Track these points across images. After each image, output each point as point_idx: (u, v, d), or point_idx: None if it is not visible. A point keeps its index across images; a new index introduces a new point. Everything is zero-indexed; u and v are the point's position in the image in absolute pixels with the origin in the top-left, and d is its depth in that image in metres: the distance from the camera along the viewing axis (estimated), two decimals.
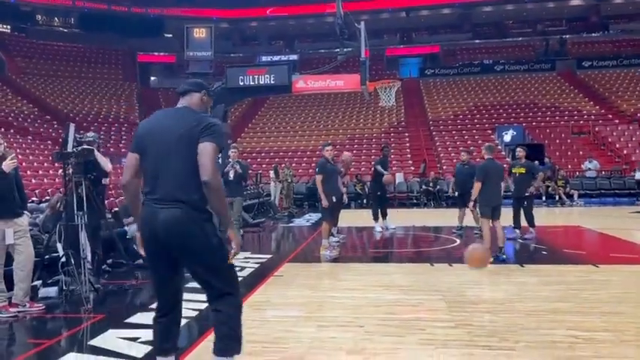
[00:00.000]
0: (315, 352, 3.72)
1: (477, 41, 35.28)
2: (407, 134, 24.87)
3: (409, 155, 22.84)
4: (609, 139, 22.42)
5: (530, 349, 3.61)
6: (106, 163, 5.89)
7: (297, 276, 6.45)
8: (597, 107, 25.78)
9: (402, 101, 27.04)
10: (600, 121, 24.14)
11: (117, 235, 6.56)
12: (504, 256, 7.09)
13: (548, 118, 25.11)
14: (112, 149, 21.85)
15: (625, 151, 21.14)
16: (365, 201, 17.95)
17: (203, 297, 5.25)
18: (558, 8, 34.78)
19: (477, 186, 7.10)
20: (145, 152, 2.79)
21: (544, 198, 17.27)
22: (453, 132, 24.63)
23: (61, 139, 5.63)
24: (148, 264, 2.95)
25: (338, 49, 10.30)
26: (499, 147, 22.77)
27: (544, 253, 7.99)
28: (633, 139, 22.03)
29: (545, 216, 9.76)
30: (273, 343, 3.92)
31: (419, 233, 10.78)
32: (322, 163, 7.88)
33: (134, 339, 4.04)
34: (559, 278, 5.90)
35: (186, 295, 5.38)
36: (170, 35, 34.86)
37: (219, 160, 9.41)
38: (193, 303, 5.09)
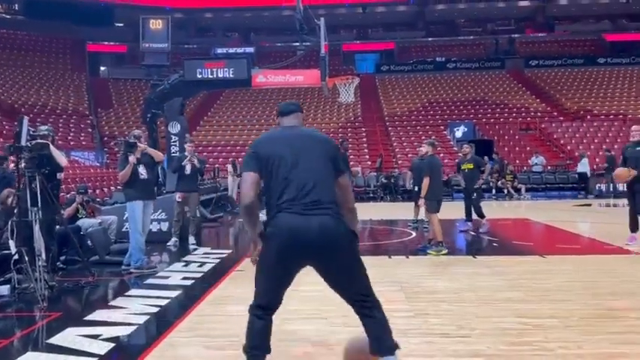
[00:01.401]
0: (279, 344, 3.77)
1: (431, 39, 36.04)
2: (363, 129, 25.19)
3: (366, 150, 23.16)
4: (554, 136, 23.49)
5: (484, 336, 3.80)
6: (60, 157, 5.72)
7: None
8: (543, 105, 26.94)
9: (358, 97, 27.32)
10: (546, 118, 25.25)
11: (71, 230, 6.39)
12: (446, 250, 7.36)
13: (497, 115, 26.03)
14: (60, 142, 21.02)
15: (569, 147, 22.22)
16: None
17: (163, 293, 5.29)
18: (507, 8, 35.99)
19: (426, 181, 7.32)
20: (274, 165, 2.81)
21: (494, 192, 17.94)
22: (408, 127, 25.15)
23: (15, 132, 5.42)
24: (277, 267, 2.82)
25: (296, 43, 10.34)
26: (451, 142, 23.45)
27: (495, 244, 8.35)
28: (576, 135, 23.17)
29: (495, 209, 10.19)
30: (238, 337, 3.92)
31: (376, 227, 11.00)
32: None
33: (95, 336, 3.98)
34: (509, 268, 6.20)
35: (144, 292, 5.39)
36: (121, 24, 33.78)
37: (177, 154, 9.28)
38: (152, 299, 5.06)
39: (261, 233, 2.83)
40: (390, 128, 25.17)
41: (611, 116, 25.05)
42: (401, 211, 12.34)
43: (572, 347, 3.53)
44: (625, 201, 15.35)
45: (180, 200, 8.41)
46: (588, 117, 24.98)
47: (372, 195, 19.04)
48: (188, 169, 8.39)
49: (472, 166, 9.50)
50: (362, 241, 9.56)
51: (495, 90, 29.12)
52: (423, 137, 22.85)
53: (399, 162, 21.44)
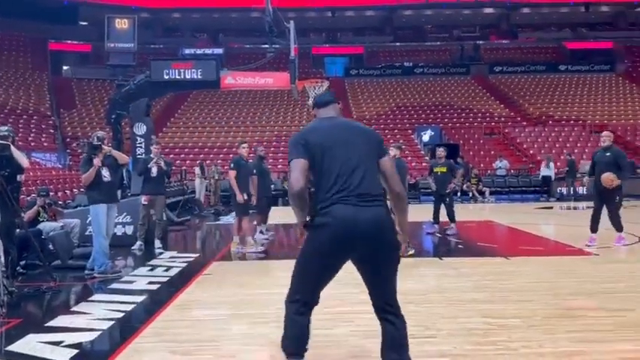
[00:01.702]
0: (248, 348, 3.76)
1: (398, 44, 36.53)
2: None
3: None
4: (517, 140, 24.13)
5: (450, 337, 3.87)
6: (21, 158, 5.53)
7: (227, 274, 6.43)
8: (507, 110, 27.64)
9: None
10: (509, 123, 25.92)
11: (32, 234, 6.19)
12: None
13: (462, 120, 26.57)
14: (20, 143, 20.33)
15: (531, 151, 22.85)
16: None
17: (128, 298, 5.18)
18: (472, 15, 36.82)
19: None
20: (324, 155, 2.75)
21: (459, 195, 18.26)
22: (377, 131, 25.31)
23: None
24: (327, 259, 2.76)
25: (265, 45, 10.32)
26: (418, 146, 23.80)
27: (460, 246, 8.51)
28: (539, 140, 23.86)
29: (460, 212, 10.41)
30: (206, 341, 3.91)
31: None
32: (237, 160, 8.10)
33: (57, 343, 3.86)
34: (474, 270, 6.33)
35: (108, 297, 5.27)
36: (86, 23, 32.97)
37: (143, 156, 9.12)
38: (116, 304, 4.96)
39: (307, 224, 2.77)
40: None
41: (572, 121, 25.91)
42: None
43: (534, 346, 3.63)
44: (585, 204, 15.94)
45: (145, 203, 8.26)
46: (550, 122, 25.77)
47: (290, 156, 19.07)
48: (154, 172, 8.24)
49: (445, 170, 9.66)
50: None
51: (461, 95, 29.72)
52: (392, 141, 23.08)
53: None
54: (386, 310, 2.85)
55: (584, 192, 18.20)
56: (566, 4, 35.23)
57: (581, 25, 36.78)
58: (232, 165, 8.03)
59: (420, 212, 10.31)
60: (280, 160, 21.80)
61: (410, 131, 25.04)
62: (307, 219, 2.78)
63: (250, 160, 8.84)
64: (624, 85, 30.61)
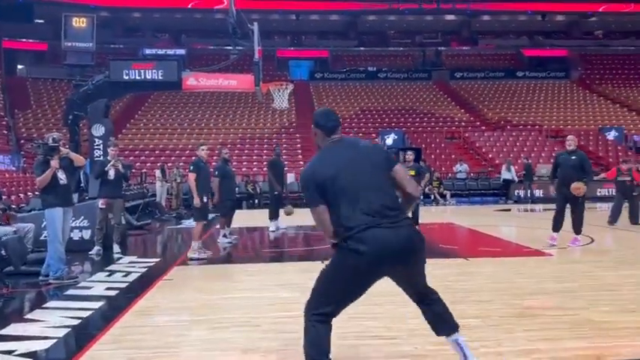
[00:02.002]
0: (208, 353, 3.70)
1: (363, 49, 36.91)
2: (298, 135, 25.28)
3: (300, 156, 23.23)
4: (477, 144, 24.73)
5: (412, 337, 3.91)
6: None
7: (189, 279, 6.32)
8: (467, 115, 28.31)
9: (293, 103, 27.43)
10: (469, 128, 26.55)
11: None
12: None
13: (425, 124, 27.05)
14: None
15: (490, 155, 23.46)
16: (257, 201, 17.95)
17: (84, 304, 5.01)
18: (434, 22, 37.57)
19: None
20: (336, 185, 2.80)
21: (421, 198, 18.58)
22: (342, 134, 25.48)
23: None
24: (360, 280, 2.83)
25: (229, 47, 10.22)
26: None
27: None
28: (497, 144, 24.52)
29: (422, 214, 10.59)
30: (165, 347, 3.82)
31: (311, 232, 11.05)
32: (196, 162, 7.86)
33: (10, 352, 3.70)
34: (436, 271, 6.38)
35: (63, 304, 5.08)
36: (41, 21, 31.88)
37: (101, 158, 8.87)
38: (73, 311, 4.80)
39: (339, 245, 2.81)
40: None
41: (529, 126, 26.76)
42: None
43: (493, 345, 3.71)
44: (542, 206, 16.46)
45: (103, 207, 8.03)
46: (508, 127, 26.53)
47: (305, 201, 19.09)
48: (112, 175, 8.02)
49: (414, 173, 9.78)
50: (297, 246, 9.62)
51: (423, 100, 30.25)
52: None
53: None
54: (427, 296, 3.10)
55: (541, 195, 18.90)
56: (523, 12, 36.41)
57: (537, 34, 38.09)
58: (192, 167, 7.79)
59: None
60: (245, 163, 21.64)
61: (374, 135, 25.29)
62: (336, 240, 2.84)
63: (214, 163, 8.71)
64: (578, 91, 31.86)
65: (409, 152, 10.23)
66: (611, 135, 25.57)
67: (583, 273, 6.23)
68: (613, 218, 10.94)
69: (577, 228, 8.02)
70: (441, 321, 3.10)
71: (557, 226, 8.12)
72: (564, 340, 3.78)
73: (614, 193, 12.53)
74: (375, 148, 3.15)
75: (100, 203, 8.04)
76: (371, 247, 2.70)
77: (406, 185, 2.97)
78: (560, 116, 28.39)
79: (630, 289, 5.33)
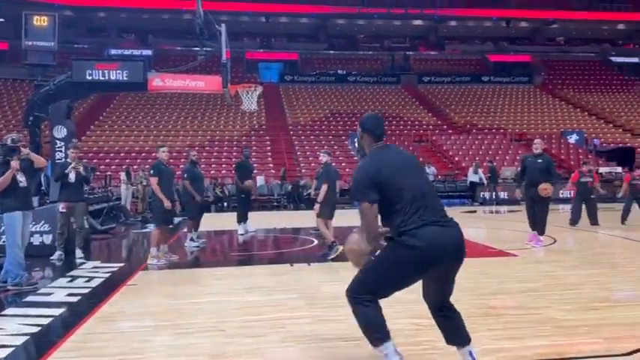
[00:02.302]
0: (174, 359, 3.63)
1: (332, 52, 37.07)
2: (267, 138, 25.18)
3: (270, 159, 23.14)
4: (444, 147, 25.14)
5: None
6: None
7: (154, 284, 6.19)
8: (435, 118, 28.76)
9: (262, 105, 27.30)
10: (437, 131, 26.97)
11: None
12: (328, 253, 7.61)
13: (393, 127, 27.31)
14: None
15: (456, 158, 23.87)
16: (225, 204, 17.78)
17: (44, 311, 4.85)
18: (402, 27, 38.07)
19: (324, 188, 7.50)
20: (396, 185, 2.95)
21: None
22: (311, 137, 25.55)
23: None
24: (413, 275, 3.00)
25: (196, 48, 10.09)
26: (352, 152, 24.19)
27: None
28: (463, 147, 24.97)
29: None
30: (129, 354, 3.73)
31: (280, 235, 11.00)
32: (157, 165, 7.59)
33: None
34: None
35: (22, 310, 4.91)
36: (1, 20, 30.82)
37: (63, 160, 8.61)
38: (32, 318, 4.64)
39: (394, 239, 2.96)
40: (294, 137, 25.41)
41: (493, 130, 27.36)
42: (304, 219, 12.45)
43: None
44: (506, 207, 16.83)
45: (64, 211, 7.79)
46: (474, 130, 27.07)
47: (275, 203, 19.05)
48: (72, 177, 7.77)
49: None
50: (265, 249, 9.55)
51: (392, 103, 30.58)
52: (326, 147, 23.36)
53: (303, 171, 21.67)
54: (443, 309, 3.18)
55: (506, 197, 19.35)
56: (489, 18, 37.29)
57: (502, 39, 39.05)
58: (152, 171, 7.54)
59: (354, 217, 10.41)
60: (213, 166, 21.41)
61: (344, 137, 25.40)
62: (389, 235, 3.00)
63: (182, 165, 8.57)
64: (541, 96, 32.78)
65: None
66: (573, 138, 26.41)
67: (546, 273, 6.39)
68: (574, 219, 11.28)
69: (540, 228, 8.26)
70: (457, 334, 3.19)
71: (532, 225, 8.41)
72: (527, 339, 3.86)
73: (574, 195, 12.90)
74: (414, 158, 3.39)
75: (61, 207, 7.79)
76: (427, 242, 2.86)
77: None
78: (524, 120, 29.14)
79: (591, 288, 5.49)
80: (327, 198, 7.52)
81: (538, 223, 8.29)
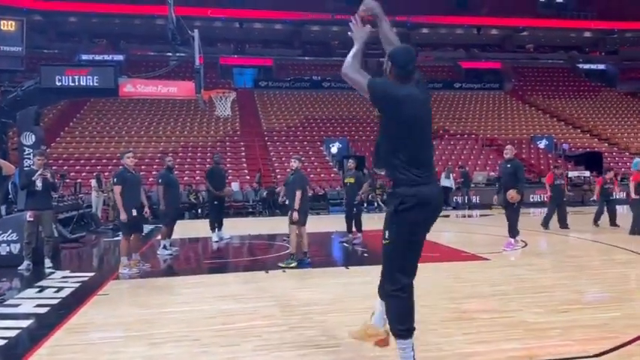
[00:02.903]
0: None
1: (307, 58, 37.15)
2: (242, 144, 25.03)
3: (245, 164, 23.00)
4: None
5: (353, 345, 3.90)
6: None
7: (125, 294, 6.07)
8: None
9: (237, 111, 27.15)
10: None
11: None
12: (309, 260, 7.61)
13: (368, 132, 27.49)
14: None
15: None
16: (200, 211, 17.59)
17: (11, 323, 4.71)
18: (376, 33, 38.15)
19: (298, 194, 7.47)
20: (412, 125, 2.84)
21: (365, 205, 18.88)
22: (286, 143, 25.51)
23: None
24: (416, 239, 3.02)
25: (169, 53, 9.99)
26: (327, 158, 24.25)
27: (366, 255, 8.76)
28: (436, 152, 25.28)
29: (366, 221, 10.72)
30: None
31: (254, 242, 10.93)
32: (121, 173, 7.26)
33: None
34: (378, 278, 6.50)
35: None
36: None
37: (29, 168, 8.39)
38: None
39: (396, 209, 2.94)
40: (268, 143, 25.33)
41: (465, 136, 27.79)
42: (280, 225, 12.40)
43: (434, 350, 3.78)
44: (479, 211, 17.09)
45: (31, 219, 7.58)
46: (446, 136, 27.44)
47: (250, 210, 18.94)
48: (39, 185, 7.57)
49: (353, 181, 9.90)
50: (239, 256, 9.48)
51: (366, 109, 30.76)
52: (301, 152, 23.37)
53: (278, 177, 21.61)
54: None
55: (478, 201, 19.65)
56: (460, 25, 37.93)
57: (474, 46, 39.75)
58: (115, 180, 7.23)
59: (329, 223, 10.45)
60: (187, 172, 21.17)
61: (319, 143, 25.45)
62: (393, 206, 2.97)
63: (154, 172, 8.42)
64: (512, 102, 33.47)
65: (350, 160, 10.37)
66: (542, 143, 27.02)
67: (517, 276, 6.50)
68: (546, 223, 11.52)
69: (511, 232, 8.43)
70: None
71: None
72: (500, 342, 3.92)
73: (546, 199, 13.19)
74: (429, 99, 3.17)
75: (28, 216, 7.58)
76: (422, 202, 2.90)
77: None
78: (495, 126, 29.69)
79: (562, 291, 5.61)
80: (301, 204, 7.50)
81: (509, 227, 8.46)
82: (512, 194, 8.18)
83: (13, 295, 6.07)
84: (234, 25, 35.37)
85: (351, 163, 10.23)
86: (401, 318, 3.01)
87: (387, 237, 3.02)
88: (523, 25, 37.93)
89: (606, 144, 28.15)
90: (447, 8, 36.11)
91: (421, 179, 2.91)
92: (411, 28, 37.93)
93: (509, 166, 8.44)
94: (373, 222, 15.12)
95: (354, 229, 9.91)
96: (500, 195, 8.56)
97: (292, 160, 7.96)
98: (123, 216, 7.09)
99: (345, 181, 10.12)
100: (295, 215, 7.44)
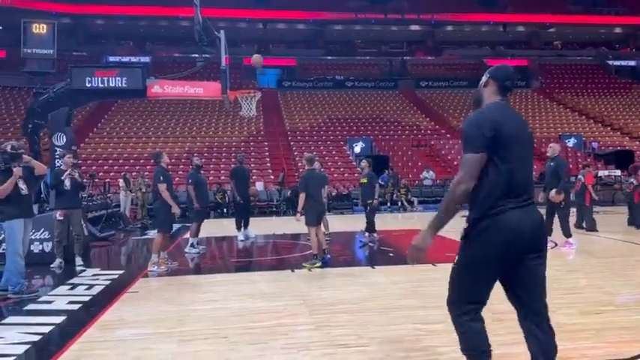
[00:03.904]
0: None
1: (330, 57, 37.15)
2: (266, 144, 25.18)
3: (269, 164, 23.14)
4: (442, 152, 25.16)
5: (382, 344, 3.91)
6: None
7: (155, 291, 6.17)
8: (432, 123, 28.79)
9: (260, 111, 27.32)
10: (435, 136, 26.99)
11: None
12: (328, 256, 7.59)
13: (392, 132, 27.37)
14: None
15: (455, 162, 23.85)
16: (225, 210, 17.75)
17: (45, 319, 4.83)
18: (400, 32, 38.18)
19: (301, 196, 7.43)
20: (508, 151, 2.52)
21: (388, 204, 18.81)
22: (310, 142, 25.55)
23: None
24: (491, 270, 2.67)
25: (195, 55, 10.14)
26: (350, 157, 24.21)
27: (391, 255, 8.70)
28: (462, 151, 24.98)
29: (389, 221, 10.64)
30: None
31: (279, 241, 10.99)
32: (162, 172, 7.51)
33: None
34: (404, 277, 6.47)
35: (23, 319, 4.89)
36: (0, 28, 30.86)
37: (57, 168, 8.58)
38: (33, 327, 4.62)
39: (472, 231, 2.67)
40: (292, 143, 25.42)
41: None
42: (303, 225, 12.41)
43: (459, 350, 3.72)
44: None
45: (61, 218, 7.76)
46: None
47: (274, 209, 19.03)
48: (67, 184, 7.76)
49: (366, 181, 9.87)
50: (265, 255, 9.54)
51: (390, 108, 30.62)
52: (325, 152, 23.39)
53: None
54: (538, 318, 2.80)
55: None
56: (485, 23, 37.42)
57: (499, 44, 39.16)
58: (161, 178, 7.45)
59: (353, 222, 10.44)
60: (212, 172, 21.40)
61: (342, 143, 25.42)
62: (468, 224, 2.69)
63: (180, 172, 8.56)
64: (539, 100, 32.86)
65: (364, 160, 10.28)
66: (571, 142, 26.45)
67: (548, 277, 6.36)
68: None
69: (564, 231, 8.41)
70: (544, 355, 2.75)
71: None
72: None
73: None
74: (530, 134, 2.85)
75: (58, 214, 7.77)
76: (506, 229, 2.53)
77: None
78: None
79: (594, 292, 5.48)
80: (308, 205, 7.44)
81: (560, 226, 8.41)
82: (552, 195, 8.12)
83: (46, 292, 6.22)
84: (257, 25, 35.61)
85: (364, 163, 10.18)
86: (478, 340, 2.84)
87: None
88: (550, 22, 37.22)
89: (637, 142, 27.40)
90: (471, 6, 35.68)
91: None
92: (435, 26, 37.61)
93: (552, 164, 8.41)
94: (398, 221, 15.10)
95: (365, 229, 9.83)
96: (545, 193, 8.49)
97: (315, 161, 7.93)
98: (175, 209, 7.30)
99: (361, 181, 10.11)
100: (298, 217, 7.43)
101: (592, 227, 10.89)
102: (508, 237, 2.54)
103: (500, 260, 2.62)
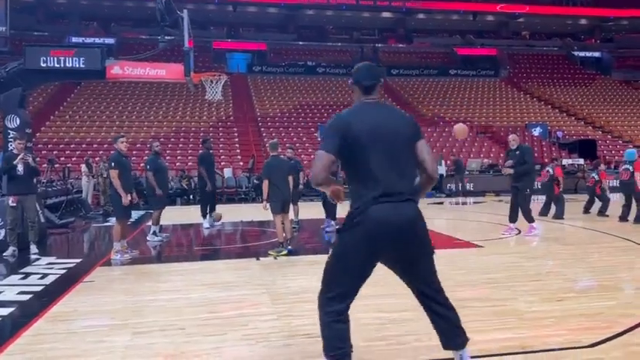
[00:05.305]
0: None
1: (301, 43, 36.78)
2: (235, 129, 24.80)
3: (238, 150, 22.81)
4: None
5: None
6: None
7: (112, 281, 5.94)
8: (403, 111, 28.84)
9: (230, 96, 26.87)
10: None
11: None
12: (290, 248, 7.42)
13: None
14: None
15: None
16: (191, 197, 17.43)
17: None
18: (371, 19, 38.04)
19: (265, 183, 7.29)
20: (365, 150, 2.62)
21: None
22: (280, 129, 25.30)
23: None
24: (358, 263, 2.70)
25: (160, 36, 9.76)
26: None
27: None
28: (431, 140, 25.16)
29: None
30: (81, 356, 3.53)
31: (246, 228, 10.82)
32: (116, 157, 7.26)
33: None
34: None
35: None
36: None
37: (9, 152, 8.18)
38: None
39: (344, 226, 2.70)
40: (262, 129, 25.11)
41: (460, 122, 27.64)
42: None
43: (424, 339, 3.67)
44: (472, 199, 17.04)
45: (14, 205, 7.41)
46: (441, 123, 27.32)
47: (243, 196, 18.78)
48: (20, 169, 7.40)
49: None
50: (231, 243, 9.36)
51: None
52: (295, 138, 23.18)
53: None
54: (434, 298, 2.98)
55: (471, 188, 19.60)
56: (456, 11, 37.63)
57: (469, 33, 39.49)
58: (112, 164, 7.18)
59: (322, 210, 10.31)
60: (179, 157, 20.96)
61: (313, 129, 25.25)
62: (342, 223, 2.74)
63: (145, 157, 8.25)
64: (506, 89, 33.35)
65: None
66: (537, 131, 26.96)
67: (510, 264, 6.42)
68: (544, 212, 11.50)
69: (525, 216, 8.55)
70: (444, 333, 2.98)
71: (512, 216, 8.75)
72: (493, 331, 3.84)
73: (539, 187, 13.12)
74: (408, 119, 2.89)
75: (10, 201, 7.41)
76: (368, 222, 2.61)
77: (428, 165, 2.81)
78: (490, 113, 29.58)
79: (556, 279, 5.53)
80: (273, 193, 7.30)
81: (523, 213, 8.55)
82: (505, 170, 8.45)
83: None
84: (227, 8, 34.91)
85: None
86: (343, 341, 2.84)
87: None
88: (519, 12, 37.69)
89: (600, 132, 28.15)
90: None
91: None
92: (406, 14, 37.62)
93: (517, 152, 8.51)
94: None
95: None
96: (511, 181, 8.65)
97: (287, 149, 7.76)
98: (125, 200, 7.01)
99: None
100: (264, 205, 7.29)
101: (559, 216, 11.12)
102: (374, 230, 2.62)
103: (368, 252, 2.69)
